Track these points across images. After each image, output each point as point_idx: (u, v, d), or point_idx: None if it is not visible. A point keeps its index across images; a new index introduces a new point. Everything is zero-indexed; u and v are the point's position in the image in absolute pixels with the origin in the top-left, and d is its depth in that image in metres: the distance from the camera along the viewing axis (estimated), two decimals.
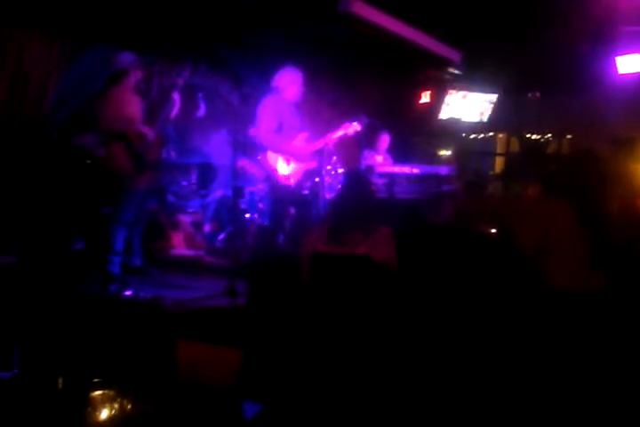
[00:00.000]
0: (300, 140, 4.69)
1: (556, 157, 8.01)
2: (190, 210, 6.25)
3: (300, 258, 3.16)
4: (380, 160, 6.25)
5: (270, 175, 4.65)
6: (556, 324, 2.79)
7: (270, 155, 4.59)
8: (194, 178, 6.53)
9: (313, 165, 4.82)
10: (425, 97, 7.28)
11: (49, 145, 4.92)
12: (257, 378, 2.98)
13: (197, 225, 6.08)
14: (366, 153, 5.74)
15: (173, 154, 5.78)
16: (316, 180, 4.88)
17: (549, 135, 8.53)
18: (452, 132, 8.08)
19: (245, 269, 4.39)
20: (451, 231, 4.29)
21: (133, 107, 4.27)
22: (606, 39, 5.85)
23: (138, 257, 4.57)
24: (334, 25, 5.09)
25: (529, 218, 3.00)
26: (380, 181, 4.94)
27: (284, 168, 4.63)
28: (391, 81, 6.99)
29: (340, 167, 5.38)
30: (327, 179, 5.04)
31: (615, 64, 6.10)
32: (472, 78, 7.18)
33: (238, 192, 5.40)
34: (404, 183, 5.05)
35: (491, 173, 8.70)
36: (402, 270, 3.07)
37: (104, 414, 2.73)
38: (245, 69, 6.07)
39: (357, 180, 3.26)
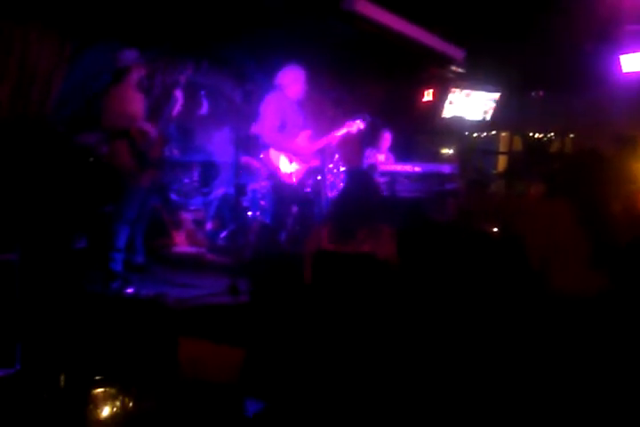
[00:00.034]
0: (303, 139, 4.68)
1: (560, 156, 7.96)
2: (192, 208, 6.25)
3: (302, 256, 3.16)
4: (382, 159, 6.24)
5: (273, 173, 4.65)
6: (557, 324, 2.78)
7: (273, 153, 4.58)
8: (196, 176, 6.52)
9: (315, 163, 4.82)
10: (428, 95, 7.25)
11: (53, 142, 4.91)
12: (259, 376, 2.98)
13: (199, 223, 6.07)
14: (368, 151, 5.75)
15: (176, 152, 5.76)
16: (319, 178, 4.88)
17: (553, 134, 8.49)
18: (454, 130, 8.05)
19: (247, 267, 4.39)
20: (453, 230, 4.30)
21: (136, 104, 4.27)
22: (610, 38, 5.83)
23: (140, 255, 4.58)
24: (338, 23, 5.09)
25: (532, 218, 2.99)
26: (382, 180, 4.94)
27: (286, 166, 4.62)
28: (394, 79, 6.98)
29: (343, 166, 5.38)
30: (329, 177, 5.05)
31: (619, 63, 6.09)
32: (475, 77, 7.16)
33: (240, 190, 5.40)
34: (406, 182, 5.05)
35: (493, 171, 8.67)
36: (405, 269, 3.07)
37: (106, 411, 2.73)
38: (248, 67, 6.05)
39: (361, 178, 3.26)
